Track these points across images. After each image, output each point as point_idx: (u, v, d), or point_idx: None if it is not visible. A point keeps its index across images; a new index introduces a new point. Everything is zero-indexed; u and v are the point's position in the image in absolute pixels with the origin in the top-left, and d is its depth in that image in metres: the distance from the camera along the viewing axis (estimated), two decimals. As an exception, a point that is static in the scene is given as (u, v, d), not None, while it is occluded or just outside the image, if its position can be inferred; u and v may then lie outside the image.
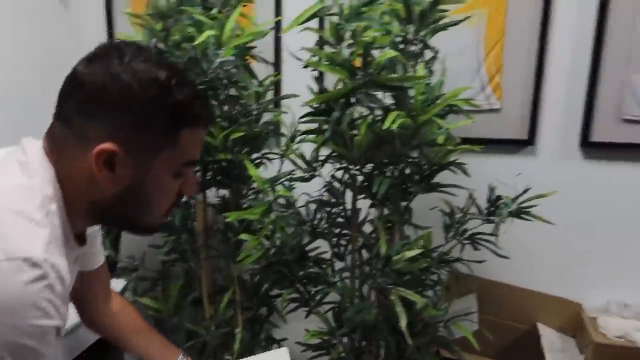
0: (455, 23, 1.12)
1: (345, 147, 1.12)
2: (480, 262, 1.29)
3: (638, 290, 1.54)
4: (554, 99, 1.48)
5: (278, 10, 1.68)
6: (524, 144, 1.50)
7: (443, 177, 1.24)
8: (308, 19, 1.04)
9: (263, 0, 1.67)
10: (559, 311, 1.56)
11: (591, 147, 1.47)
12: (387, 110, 1.04)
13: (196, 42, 1.11)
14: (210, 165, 1.31)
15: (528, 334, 1.56)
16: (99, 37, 1.90)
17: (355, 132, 1.13)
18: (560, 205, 1.43)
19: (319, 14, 1.04)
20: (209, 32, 1.12)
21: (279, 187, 1.12)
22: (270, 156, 1.38)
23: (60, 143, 0.64)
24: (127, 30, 1.86)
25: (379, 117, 1.11)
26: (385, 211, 1.25)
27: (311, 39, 1.59)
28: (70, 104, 0.64)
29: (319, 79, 1.17)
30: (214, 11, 1.27)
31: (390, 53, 0.98)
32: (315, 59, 1.04)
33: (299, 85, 1.38)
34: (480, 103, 1.48)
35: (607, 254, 1.54)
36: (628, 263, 1.53)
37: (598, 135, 1.45)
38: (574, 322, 1.53)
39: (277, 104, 1.47)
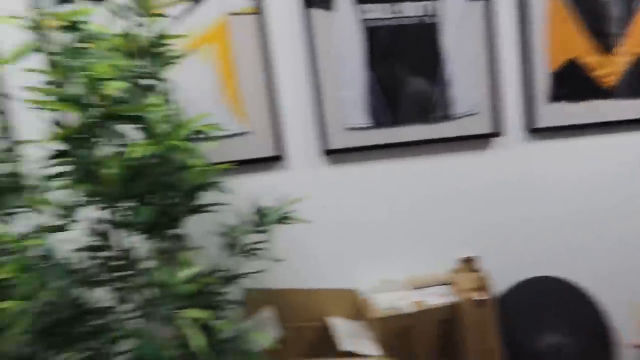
0: (179, 56, 1.21)
1: (99, 185, 1.11)
2: (259, 272, 1.40)
3: (399, 267, 1.84)
4: (292, 118, 1.71)
5: None
6: (274, 159, 1.69)
7: (206, 199, 1.32)
8: (21, 57, 1.01)
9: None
10: (342, 301, 1.75)
11: (330, 154, 1.74)
12: (131, 142, 1.07)
13: None
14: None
15: (324, 328, 1.71)
16: None
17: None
18: (317, 206, 1.66)
19: (31, 52, 1.02)
20: None
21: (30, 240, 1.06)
22: (17, 211, 1.27)
23: None
24: None
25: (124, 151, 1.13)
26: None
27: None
28: None
29: (56, 119, 1.14)
30: None
31: (120, 84, 1.02)
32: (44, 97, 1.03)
33: (37, 129, 1.30)
34: (229, 128, 1.62)
35: (370, 241, 1.82)
36: (389, 247, 1.83)
37: (333, 143, 1.72)
38: (356, 307, 1.74)
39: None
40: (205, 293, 1.23)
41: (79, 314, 1.25)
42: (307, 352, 1.69)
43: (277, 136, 1.67)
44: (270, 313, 1.62)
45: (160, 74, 1.18)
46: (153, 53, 1.14)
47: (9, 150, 1.29)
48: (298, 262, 1.73)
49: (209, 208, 1.27)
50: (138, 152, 1.00)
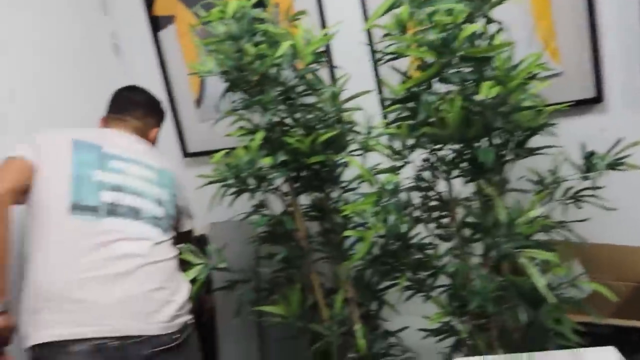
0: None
1: (437, 128, 1.14)
2: (584, 220, 1.29)
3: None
4: (612, 54, 1.47)
5: (322, 18, 1.73)
6: (591, 102, 1.49)
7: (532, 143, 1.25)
8: (385, 12, 1.07)
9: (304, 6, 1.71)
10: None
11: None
12: (478, 81, 1.06)
13: (278, 53, 1.16)
14: (301, 171, 1.35)
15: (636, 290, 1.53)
16: (152, 76, 1.98)
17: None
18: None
19: (394, 7, 1.07)
20: (288, 42, 1.16)
21: (381, 177, 1.15)
22: (355, 154, 1.42)
23: (136, 128, 1.45)
24: (178, 67, 1.95)
25: (460, 95, 1.13)
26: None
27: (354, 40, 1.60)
28: (141, 112, 1.48)
29: (397, 70, 1.20)
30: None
31: (474, 27, 1.00)
32: (396, 47, 1.07)
33: (352, 85, 1.42)
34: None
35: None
36: None
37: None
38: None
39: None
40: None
41: (405, 247, 1.34)
42: (617, 310, 1.54)
43: (596, 75, 1.47)
44: (579, 265, 1.51)
45: (489, 14, 1.12)
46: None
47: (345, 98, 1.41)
48: (613, 213, 1.54)
49: (539, 152, 1.20)
50: (488, 93, 0.97)
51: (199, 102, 1.96)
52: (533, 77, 1.15)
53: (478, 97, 1.02)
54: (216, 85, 1.89)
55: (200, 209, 1.91)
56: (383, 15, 1.05)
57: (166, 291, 1.23)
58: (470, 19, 1.11)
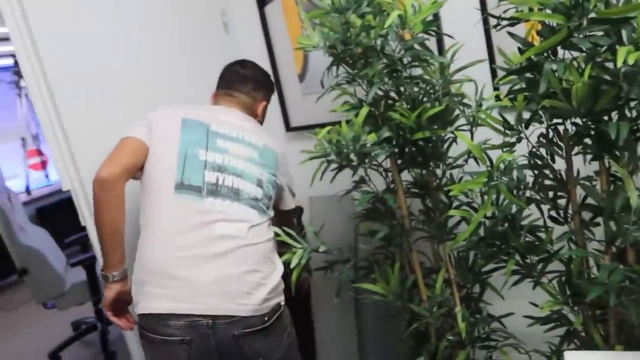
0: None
1: (559, 100, 1.04)
2: None
3: None
4: None
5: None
6: None
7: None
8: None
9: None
10: None
11: None
12: (612, 47, 0.94)
13: (387, 23, 1.12)
14: (405, 147, 1.30)
15: None
16: (257, 51, 2.02)
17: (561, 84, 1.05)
18: None
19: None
20: (397, 12, 1.12)
21: (491, 154, 1.08)
22: (463, 128, 1.34)
23: (244, 104, 1.47)
24: (283, 41, 1.97)
25: (590, 62, 1.02)
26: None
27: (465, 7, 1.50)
28: (251, 86, 1.48)
29: (514, 36, 1.11)
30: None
31: (610, -17, 0.89)
32: (519, 12, 0.98)
33: (464, 55, 1.33)
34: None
35: None
36: None
37: None
38: None
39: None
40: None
41: (515, 229, 1.26)
42: None
43: None
44: None
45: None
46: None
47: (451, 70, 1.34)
48: None
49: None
50: (625, 60, 0.86)
51: (302, 76, 1.97)
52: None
53: (612, 65, 0.91)
54: (319, 59, 1.90)
55: (301, 183, 1.96)
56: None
57: (259, 274, 1.22)
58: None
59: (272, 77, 1.59)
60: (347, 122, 1.25)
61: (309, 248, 1.31)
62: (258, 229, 1.27)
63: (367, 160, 1.24)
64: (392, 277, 1.29)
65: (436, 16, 1.65)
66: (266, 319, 1.22)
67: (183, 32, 1.83)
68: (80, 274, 2.72)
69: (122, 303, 1.31)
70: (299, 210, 1.85)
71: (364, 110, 1.21)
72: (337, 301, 1.36)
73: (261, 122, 1.54)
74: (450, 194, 1.04)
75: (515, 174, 1.19)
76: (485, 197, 1.09)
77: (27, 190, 4.87)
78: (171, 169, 1.24)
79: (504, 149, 1.14)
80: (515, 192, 1.18)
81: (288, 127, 2.07)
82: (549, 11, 0.92)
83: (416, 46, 1.25)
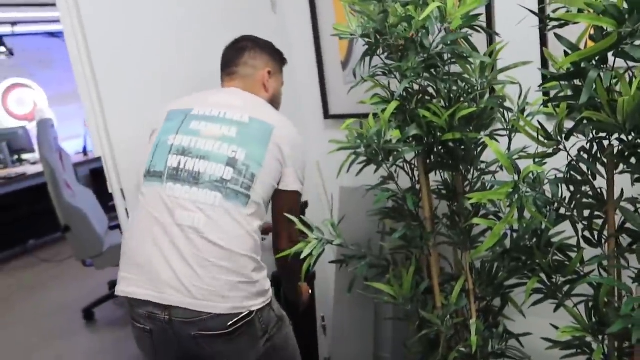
0: None
1: (604, 112, 0.95)
2: None
3: None
4: None
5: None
6: None
7: None
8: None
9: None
10: None
11: None
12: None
13: (423, 15, 1.06)
14: (434, 148, 1.24)
15: None
16: (304, 34, 1.99)
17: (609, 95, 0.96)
18: None
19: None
20: (435, 4, 1.05)
21: (520, 164, 1.01)
22: (500, 133, 1.27)
23: (245, 78, 1.40)
24: (329, 26, 1.92)
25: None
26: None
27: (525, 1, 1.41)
28: (246, 56, 1.41)
29: (560, 38, 1.02)
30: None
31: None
32: (563, 13, 0.90)
33: (514, 54, 1.24)
34: None
35: None
36: None
37: None
38: None
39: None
40: None
41: (543, 246, 1.18)
42: None
43: None
44: None
45: None
46: None
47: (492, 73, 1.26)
48: None
49: None
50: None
51: (345, 64, 1.92)
52: None
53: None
54: (364, 48, 1.84)
55: (332, 172, 1.92)
56: (550, -28, 0.89)
57: (217, 269, 1.14)
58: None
59: (273, 45, 1.50)
60: (375, 115, 1.21)
61: (325, 240, 1.27)
62: (223, 218, 1.17)
63: (391, 157, 1.19)
64: (405, 279, 1.24)
65: (489, 10, 1.56)
66: (229, 324, 1.14)
67: (228, 7, 1.82)
68: (119, 237, 2.82)
69: None
70: (303, 205, 1.72)
71: (392, 105, 1.16)
72: (349, 296, 1.33)
73: (275, 95, 1.46)
74: (469, 202, 0.98)
75: (547, 187, 1.11)
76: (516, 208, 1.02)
77: (84, 151, 5.10)
78: (146, 159, 1.26)
79: (536, 160, 1.06)
80: (547, 207, 1.11)
81: (327, 114, 2.04)
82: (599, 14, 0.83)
83: (460, 41, 1.19)
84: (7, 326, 3.12)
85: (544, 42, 1.50)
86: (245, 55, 1.40)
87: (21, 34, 5.03)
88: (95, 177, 4.61)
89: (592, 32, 0.96)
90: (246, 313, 1.16)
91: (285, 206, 1.29)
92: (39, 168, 4.20)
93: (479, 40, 1.57)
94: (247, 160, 1.21)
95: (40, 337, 2.92)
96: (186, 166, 1.20)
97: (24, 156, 4.86)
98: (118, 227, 2.82)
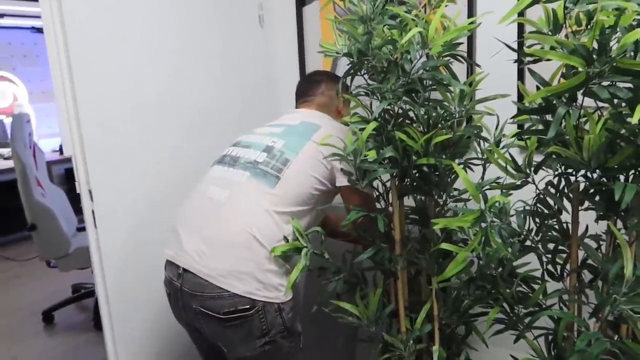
0: None
1: (568, 149, 0.97)
2: None
3: None
4: None
5: (470, 8, 1.60)
6: None
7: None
8: (529, 5, 0.93)
9: (458, -1, 1.61)
10: None
11: None
12: (630, 102, 0.87)
13: (404, 40, 1.08)
14: (409, 171, 1.25)
15: None
16: (289, 50, 2.00)
17: (577, 132, 0.98)
18: None
19: (540, 0, 0.93)
20: (416, 29, 1.07)
21: (492, 194, 1.02)
22: (474, 162, 1.29)
23: (321, 105, 1.49)
24: (315, 43, 1.94)
25: (610, 114, 0.95)
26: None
27: (505, 34, 1.45)
28: (323, 87, 1.51)
29: (533, 73, 1.05)
30: (414, 13, 1.24)
31: (638, 33, 0.82)
32: (534, 48, 0.92)
33: (494, 85, 1.27)
34: None
35: None
36: None
37: None
38: None
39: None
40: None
41: (507, 276, 1.19)
42: None
43: None
44: None
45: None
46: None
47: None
48: None
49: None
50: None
51: (328, 82, 1.94)
52: None
53: (635, 120, 0.84)
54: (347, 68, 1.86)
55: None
56: (527, 8, 0.91)
57: (225, 248, 1.20)
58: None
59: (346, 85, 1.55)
60: (354, 133, 1.22)
61: (312, 249, 1.25)
62: (245, 195, 1.24)
63: (364, 178, 1.20)
64: (372, 300, 1.24)
65: (470, 41, 1.60)
66: (223, 311, 1.17)
67: (215, 18, 1.82)
68: (87, 239, 2.77)
69: None
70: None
71: (371, 125, 1.17)
72: (315, 310, 1.32)
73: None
74: (435, 227, 0.98)
75: (514, 219, 1.13)
76: (481, 236, 1.03)
77: (61, 150, 5.01)
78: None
79: (503, 191, 1.08)
80: (513, 238, 1.12)
81: (307, 131, 2.04)
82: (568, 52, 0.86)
83: (442, 68, 1.21)
84: (-38, 324, 3.01)
85: (521, 75, 1.54)
86: (322, 87, 1.51)
87: (7, 27, 4.96)
88: (69, 177, 4.53)
89: (564, 70, 1.00)
90: (244, 307, 1.17)
91: (347, 202, 1.33)
92: (11, 163, 4.11)
93: (460, 69, 1.61)
94: (283, 148, 1.31)
95: (-5, 338, 2.82)
96: (232, 153, 1.37)
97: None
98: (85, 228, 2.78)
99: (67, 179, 4.51)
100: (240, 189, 1.25)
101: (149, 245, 1.60)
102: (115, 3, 1.48)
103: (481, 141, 1.32)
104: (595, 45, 0.84)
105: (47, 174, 3.08)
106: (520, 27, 1.52)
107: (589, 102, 0.95)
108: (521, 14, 1.51)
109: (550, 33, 0.97)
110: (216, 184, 1.31)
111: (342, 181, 1.31)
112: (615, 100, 0.92)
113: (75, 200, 2.94)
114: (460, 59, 1.29)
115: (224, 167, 1.34)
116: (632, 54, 0.91)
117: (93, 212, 1.49)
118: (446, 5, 1.26)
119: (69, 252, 2.73)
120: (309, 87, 1.52)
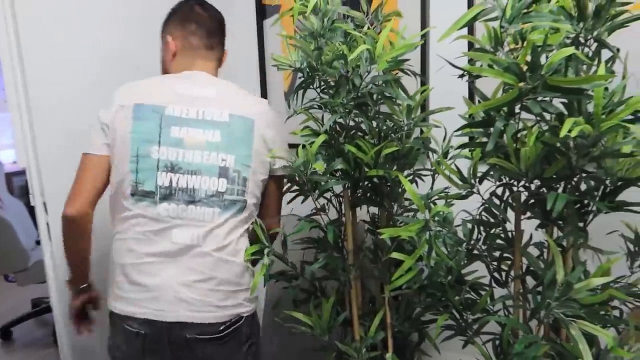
0: (638, 18, 0.96)
1: (509, 161, 1.02)
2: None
3: None
4: None
5: (424, 22, 1.65)
6: None
7: (626, 195, 1.08)
8: (467, 24, 0.97)
9: (407, 13, 1.66)
10: None
11: None
12: (560, 117, 0.92)
13: (351, 57, 1.11)
14: (360, 182, 1.28)
15: None
16: (250, 63, 2.02)
17: (517, 144, 1.03)
18: None
19: (478, 18, 0.97)
20: (363, 46, 1.11)
21: (436, 204, 1.06)
22: (423, 173, 1.32)
23: (214, 59, 1.31)
24: (277, 52, 1.97)
25: (548, 127, 1.00)
26: (556, 233, 1.12)
27: (457, 49, 1.51)
28: (217, 34, 1.31)
29: (474, 88, 1.10)
30: (364, 29, 1.28)
31: (567, 51, 0.87)
32: (475, 65, 0.97)
33: (447, 98, 1.32)
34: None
35: None
36: None
37: None
38: None
39: (424, 119, 1.41)
40: (601, 305, 1.02)
41: (457, 284, 1.23)
42: None
43: None
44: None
45: (605, 40, 0.97)
46: (599, 15, 0.93)
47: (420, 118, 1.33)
48: None
49: (633, 208, 1.02)
50: (569, 131, 0.84)
51: (288, 94, 1.96)
52: (638, 119, 0.98)
53: (563, 134, 0.89)
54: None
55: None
56: (462, 28, 0.96)
57: (214, 281, 1.17)
58: (577, 42, 0.97)
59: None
60: (304, 147, 1.24)
61: (273, 251, 1.25)
62: (219, 231, 1.18)
63: (316, 189, 1.22)
64: (325, 308, 1.26)
65: (424, 55, 1.64)
66: (221, 328, 1.18)
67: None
68: (46, 253, 2.71)
69: (87, 310, 1.35)
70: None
71: (320, 138, 1.20)
72: (271, 313, 1.33)
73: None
74: (381, 236, 1.01)
75: (460, 228, 1.17)
76: (426, 245, 1.07)
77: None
78: (126, 173, 1.17)
79: (448, 201, 1.12)
80: (462, 245, 1.16)
81: (268, 142, 2.06)
82: (501, 69, 0.90)
83: (392, 83, 1.25)
84: None
85: (471, 90, 1.60)
86: (219, 35, 1.32)
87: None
88: (27, 190, 4.41)
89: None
90: (237, 319, 1.20)
91: (278, 190, 1.32)
92: (-32, 175, 3.99)
93: (413, 83, 1.66)
94: (237, 166, 1.20)
95: (-50, 356, 2.73)
96: (179, 184, 1.17)
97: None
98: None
99: (27, 191, 4.39)
100: (215, 226, 1.18)
101: (106, 258, 1.58)
102: (67, 7, 1.47)
103: (430, 153, 1.36)
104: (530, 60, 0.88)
105: (7, 186, 3.01)
106: (470, 45, 1.58)
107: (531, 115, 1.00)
108: (470, 31, 1.57)
109: (492, 49, 1.02)
110: (180, 226, 1.17)
111: (282, 170, 1.29)
112: (548, 115, 0.97)
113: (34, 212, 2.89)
114: (409, 73, 1.33)
115: (179, 205, 1.17)
116: (564, 70, 0.97)
117: (48, 224, 1.48)
118: (390, 20, 1.29)
119: (28, 265, 2.67)
120: (203, 25, 1.28)
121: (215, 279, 1.17)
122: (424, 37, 1.65)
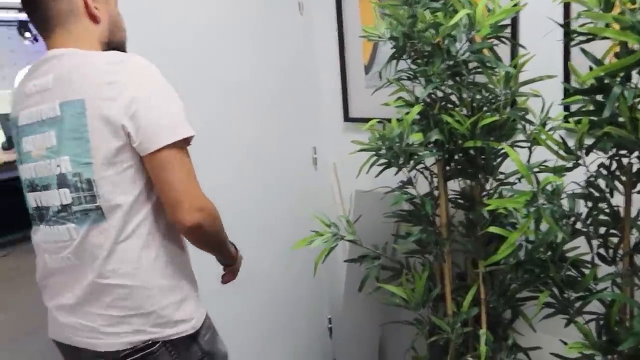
0: None
1: (625, 129, 0.95)
2: None
3: None
4: None
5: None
6: None
7: None
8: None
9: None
10: None
11: None
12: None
13: (451, 22, 1.07)
14: (455, 154, 1.25)
15: None
16: (329, 36, 2.01)
17: (631, 113, 0.96)
18: None
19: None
20: (464, 11, 1.06)
21: (540, 177, 1.01)
22: (520, 145, 1.27)
23: (65, 23, 0.98)
24: (354, 28, 1.94)
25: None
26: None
27: (550, 14, 1.41)
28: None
29: (586, 53, 1.03)
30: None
31: None
32: (588, 26, 0.90)
33: (539, 66, 1.24)
34: None
35: None
36: None
37: None
38: None
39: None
40: None
41: (557, 260, 1.18)
42: None
43: None
44: None
45: None
46: None
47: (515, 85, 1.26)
48: None
49: None
50: None
51: (368, 68, 1.94)
52: None
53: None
54: (388, 53, 1.85)
55: (347, 175, 1.93)
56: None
57: (98, 303, 0.99)
58: None
59: None
60: (399, 119, 1.22)
61: (340, 235, 1.27)
62: (87, 248, 0.97)
63: (411, 161, 1.20)
64: (418, 283, 1.25)
65: (514, 22, 1.56)
66: (121, 355, 0.99)
67: (256, 7, 1.83)
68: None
69: None
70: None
71: (416, 109, 1.17)
72: (358, 299, 1.34)
73: (112, 22, 1.06)
74: (486, 208, 0.98)
75: (566, 202, 1.11)
76: (533, 219, 1.03)
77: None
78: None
79: (556, 173, 1.06)
80: (563, 220, 1.11)
81: (346, 117, 2.05)
82: (627, 30, 0.84)
83: (485, 51, 1.20)
84: None
85: (567, 56, 1.50)
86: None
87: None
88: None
89: (618, 49, 0.97)
90: (143, 346, 0.99)
91: (166, 169, 0.93)
92: None
93: (502, 52, 1.58)
94: (74, 168, 0.95)
95: None
96: (42, 203, 1.00)
97: None
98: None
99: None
100: (77, 247, 0.97)
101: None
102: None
103: (526, 124, 1.30)
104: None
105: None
106: (566, 9, 1.48)
107: (645, 81, 0.93)
108: (568, -6, 1.47)
109: (601, 12, 0.95)
110: (48, 251, 1.02)
111: (165, 139, 0.92)
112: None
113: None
114: (505, 40, 1.27)
115: (46, 227, 1.01)
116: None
117: None
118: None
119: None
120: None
121: (95, 302, 0.99)
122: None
